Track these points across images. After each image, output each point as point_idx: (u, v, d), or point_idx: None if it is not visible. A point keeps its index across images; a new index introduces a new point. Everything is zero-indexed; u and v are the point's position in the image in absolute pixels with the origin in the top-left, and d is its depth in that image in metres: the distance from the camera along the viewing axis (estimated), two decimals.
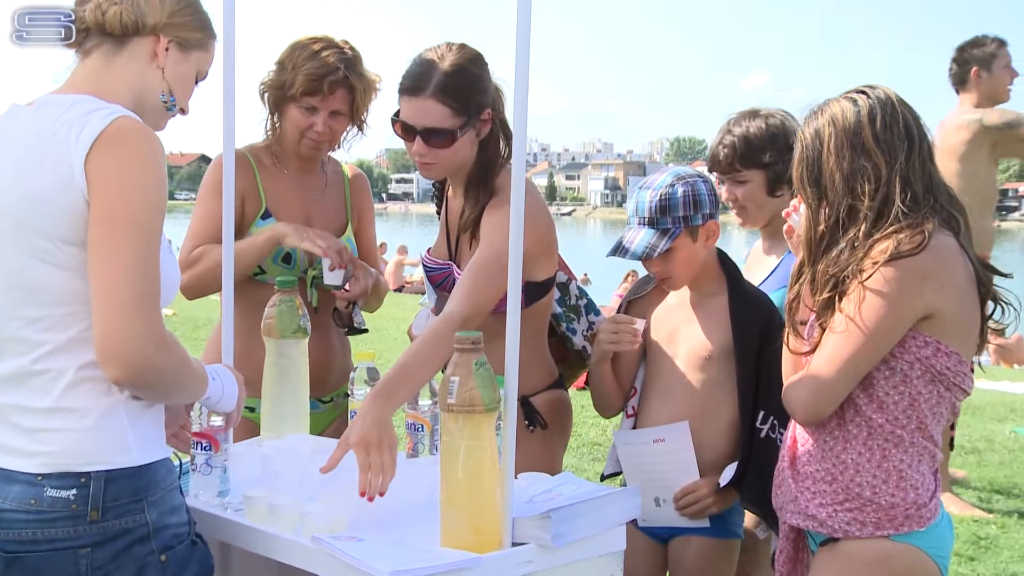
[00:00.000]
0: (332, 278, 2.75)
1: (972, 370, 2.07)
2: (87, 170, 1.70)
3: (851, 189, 2.02)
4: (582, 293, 2.79)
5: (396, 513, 2.06)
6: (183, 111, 1.97)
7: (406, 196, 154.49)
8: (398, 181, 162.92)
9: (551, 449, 2.61)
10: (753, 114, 2.85)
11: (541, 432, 2.56)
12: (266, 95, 2.88)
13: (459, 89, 2.39)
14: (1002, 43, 4.82)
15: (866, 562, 2.02)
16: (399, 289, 18.27)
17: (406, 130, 2.44)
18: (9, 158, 1.78)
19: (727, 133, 2.84)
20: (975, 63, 4.81)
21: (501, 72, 2.51)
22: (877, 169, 2.00)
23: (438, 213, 2.76)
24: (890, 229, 1.98)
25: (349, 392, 2.38)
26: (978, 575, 4.26)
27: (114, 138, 1.72)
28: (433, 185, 2.76)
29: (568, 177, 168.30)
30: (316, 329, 2.86)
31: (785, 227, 2.32)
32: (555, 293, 2.67)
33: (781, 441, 2.32)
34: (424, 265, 2.69)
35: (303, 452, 2.34)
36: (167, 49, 1.89)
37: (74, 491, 1.71)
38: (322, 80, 2.77)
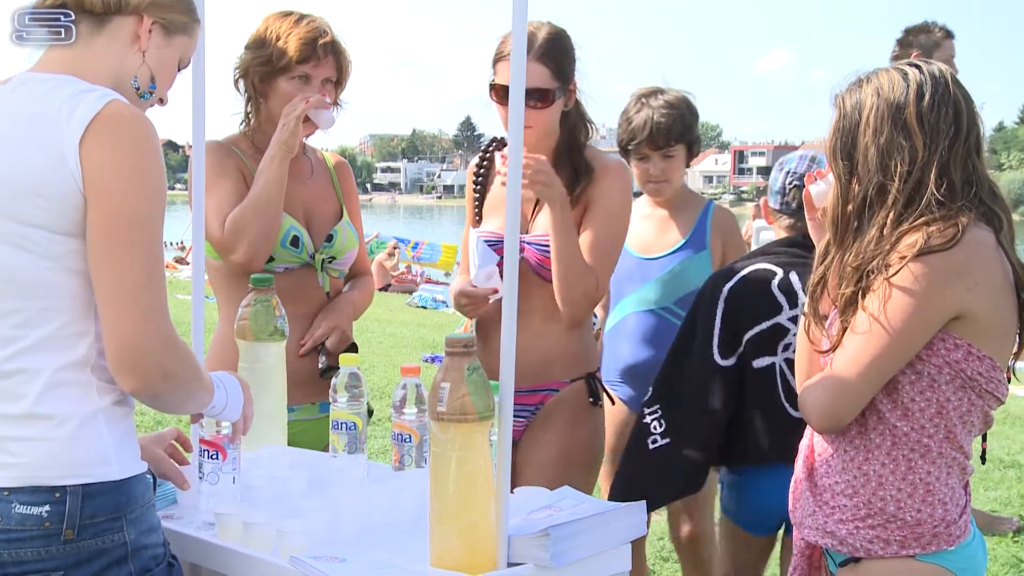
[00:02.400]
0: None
1: (1009, 379, 2.08)
2: (82, 157, 1.70)
3: (884, 167, 2.01)
4: None
5: (382, 530, 2.07)
6: (162, 101, 1.97)
7: (392, 187, 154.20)
8: (384, 170, 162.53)
9: (603, 427, 3.00)
10: (659, 91, 3.34)
11: (596, 411, 2.94)
12: (245, 78, 2.93)
13: (557, 53, 2.82)
14: (948, 34, 4.78)
15: None
16: (385, 288, 18.27)
17: (505, 94, 2.65)
18: None
19: (650, 108, 3.29)
20: (917, 48, 4.74)
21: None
22: (914, 151, 2.00)
23: (479, 190, 3.03)
24: (920, 221, 1.98)
25: (331, 399, 2.40)
26: None
27: (110, 124, 1.72)
28: (478, 164, 3.05)
29: None
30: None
31: (804, 193, 2.32)
32: None
33: (654, 427, 2.81)
34: (486, 241, 2.90)
35: (281, 465, 2.35)
36: (150, 31, 1.88)
37: (47, 507, 1.69)
38: (315, 43, 2.87)
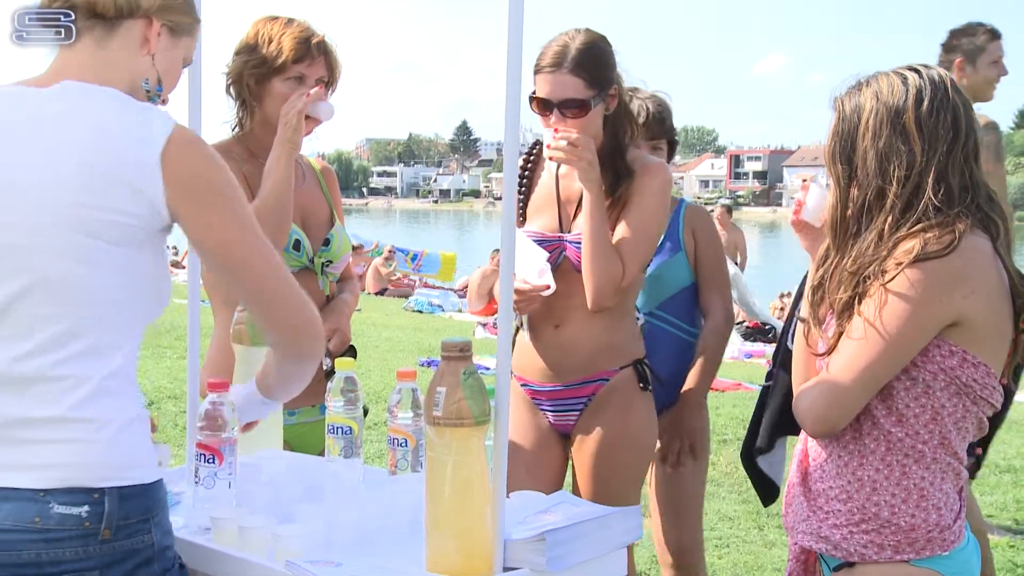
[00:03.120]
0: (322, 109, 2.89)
1: (1003, 385, 2.08)
2: (166, 176, 1.76)
3: (883, 171, 2.01)
4: None
5: (378, 535, 2.07)
6: (164, 102, 1.99)
7: (389, 191, 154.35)
8: (380, 174, 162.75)
9: (654, 412, 3.06)
10: (639, 89, 3.28)
11: (647, 396, 3.02)
12: (238, 83, 2.93)
13: (592, 63, 2.89)
14: (994, 35, 4.60)
15: None
16: (381, 292, 18.26)
17: (543, 106, 2.91)
18: (39, 148, 1.76)
19: (640, 100, 3.25)
20: (960, 53, 4.59)
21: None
22: (912, 155, 2.00)
23: (523, 192, 3.14)
24: (917, 227, 1.98)
25: (327, 403, 2.39)
26: None
27: (189, 146, 1.81)
28: (522, 166, 3.17)
29: None
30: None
31: (794, 204, 2.29)
32: None
33: None
34: (535, 241, 3.00)
35: (276, 469, 2.35)
36: (159, 34, 1.90)
37: (86, 508, 1.71)
38: (308, 42, 2.90)
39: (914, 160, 2.00)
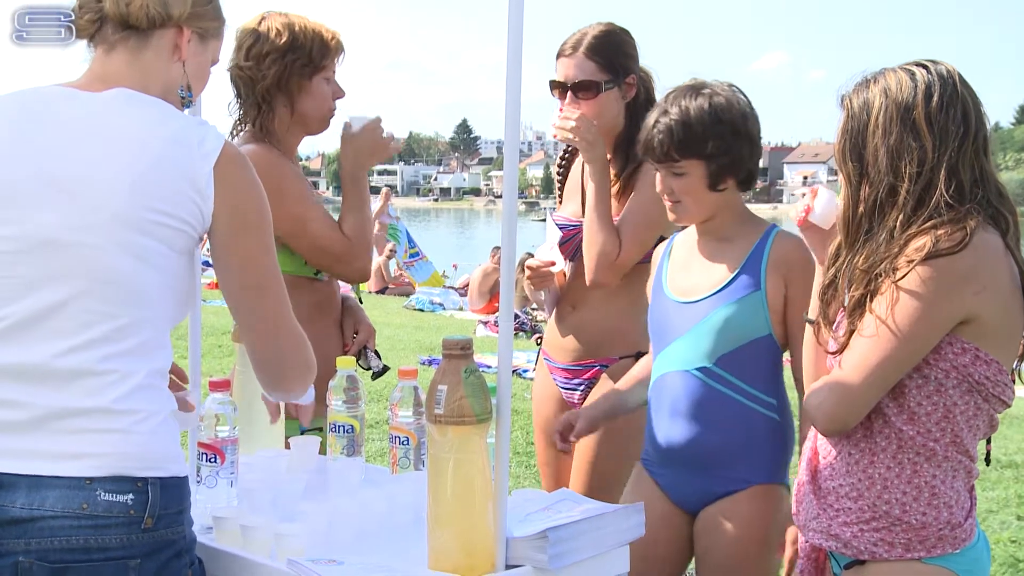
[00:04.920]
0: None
1: (1014, 380, 2.06)
2: (217, 188, 1.82)
3: (894, 168, 1.99)
4: None
5: (379, 533, 2.07)
6: (191, 103, 2.02)
7: (389, 189, 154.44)
8: (380, 173, 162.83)
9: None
10: (695, 90, 2.58)
11: None
12: (278, 85, 2.79)
13: (606, 49, 3.03)
14: None
15: None
16: (382, 291, 18.26)
17: (560, 89, 3.07)
18: (99, 149, 1.79)
19: (663, 114, 2.57)
20: None
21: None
22: (923, 152, 1.98)
23: (560, 179, 3.39)
24: (928, 224, 1.96)
25: (327, 402, 2.39)
26: None
27: (238, 161, 1.86)
28: (561, 156, 3.40)
29: None
30: None
31: (799, 217, 2.20)
32: None
33: None
34: (556, 224, 3.21)
35: (278, 468, 2.35)
36: (189, 41, 1.93)
37: (131, 496, 1.74)
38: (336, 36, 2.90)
39: (925, 156, 1.98)
